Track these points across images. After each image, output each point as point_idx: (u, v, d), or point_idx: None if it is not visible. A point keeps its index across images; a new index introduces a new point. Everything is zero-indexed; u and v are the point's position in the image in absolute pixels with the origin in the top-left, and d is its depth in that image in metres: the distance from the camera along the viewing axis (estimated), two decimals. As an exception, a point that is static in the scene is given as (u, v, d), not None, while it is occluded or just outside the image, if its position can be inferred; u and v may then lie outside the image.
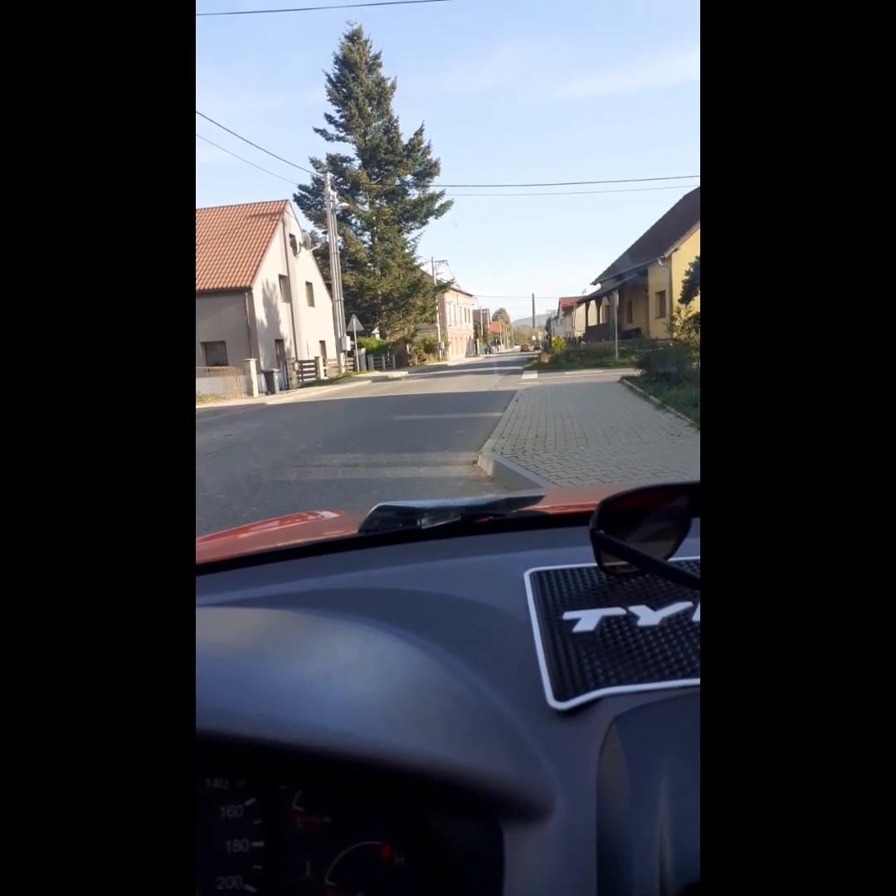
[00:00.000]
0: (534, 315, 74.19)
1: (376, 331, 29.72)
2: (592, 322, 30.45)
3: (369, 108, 27.78)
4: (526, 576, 0.51)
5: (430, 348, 34.96)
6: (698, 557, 0.51)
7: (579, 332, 34.12)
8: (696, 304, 16.24)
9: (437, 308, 34.27)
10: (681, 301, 16.96)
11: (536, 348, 39.45)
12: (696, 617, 0.43)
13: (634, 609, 0.45)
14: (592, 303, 30.06)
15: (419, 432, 7.15)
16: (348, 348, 24.29)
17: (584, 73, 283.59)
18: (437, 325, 37.75)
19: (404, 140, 28.56)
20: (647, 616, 0.44)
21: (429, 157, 28.96)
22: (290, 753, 0.31)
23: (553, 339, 29.02)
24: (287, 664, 0.38)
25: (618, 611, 0.45)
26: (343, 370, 23.47)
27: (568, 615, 0.45)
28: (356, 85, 27.20)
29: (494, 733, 0.35)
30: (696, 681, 0.37)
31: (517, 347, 68.84)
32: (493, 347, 64.82)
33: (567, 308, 50.39)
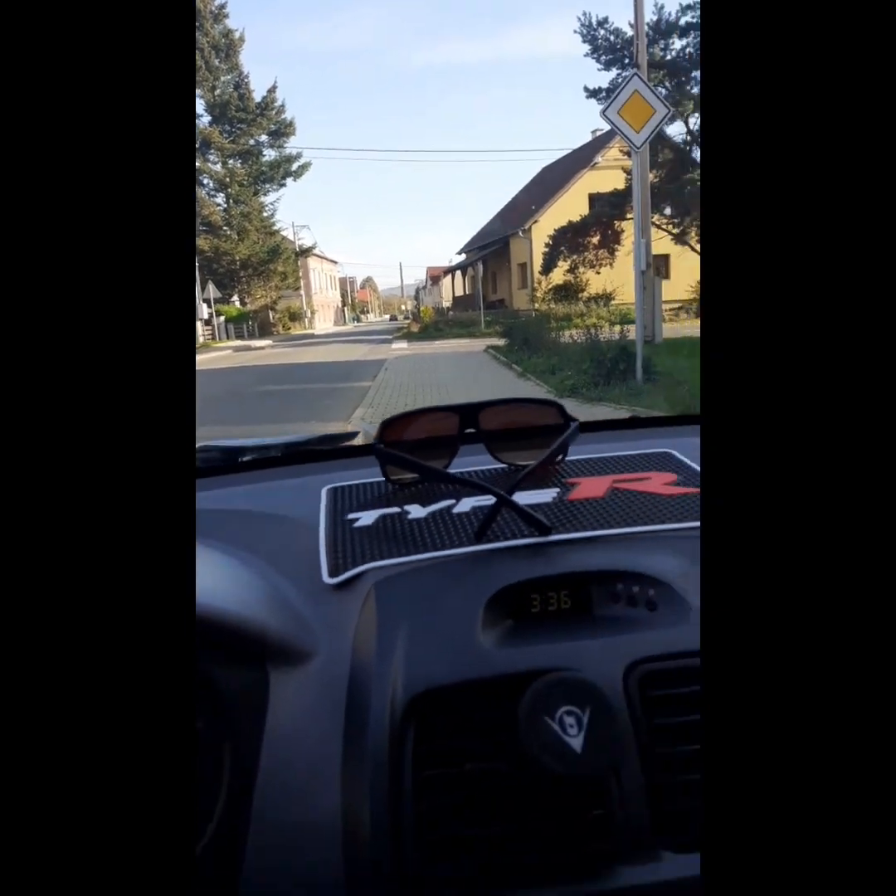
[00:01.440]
0: (402, 284, 73.92)
1: (236, 298, 28.26)
2: (459, 292, 30.85)
3: (217, 61, 25.92)
4: (323, 491, 0.56)
5: (295, 316, 33.81)
6: (472, 469, 0.58)
7: (447, 302, 34.47)
8: (555, 276, 16.89)
9: (300, 275, 33.15)
10: (541, 272, 17.57)
11: (406, 318, 39.41)
12: (457, 509, 0.51)
13: (408, 507, 0.52)
14: (458, 273, 30.40)
15: (285, 403, 6.92)
16: (205, 316, 22.90)
17: (444, 39, 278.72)
18: (302, 292, 36.54)
19: (257, 97, 27.05)
20: (416, 511, 0.51)
21: (283, 116, 27.63)
22: None
23: (422, 309, 29.07)
24: None
25: (394, 509, 0.52)
26: (201, 339, 22.14)
27: (351, 515, 0.52)
28: (201, 35, 25.22)
29: (276, 606, 0.42)
30: (442, 552, 0.44)
31: (387, 316, 68.37)
32: (363, 316, 63.93)
33: (434, 278, 50.63)
